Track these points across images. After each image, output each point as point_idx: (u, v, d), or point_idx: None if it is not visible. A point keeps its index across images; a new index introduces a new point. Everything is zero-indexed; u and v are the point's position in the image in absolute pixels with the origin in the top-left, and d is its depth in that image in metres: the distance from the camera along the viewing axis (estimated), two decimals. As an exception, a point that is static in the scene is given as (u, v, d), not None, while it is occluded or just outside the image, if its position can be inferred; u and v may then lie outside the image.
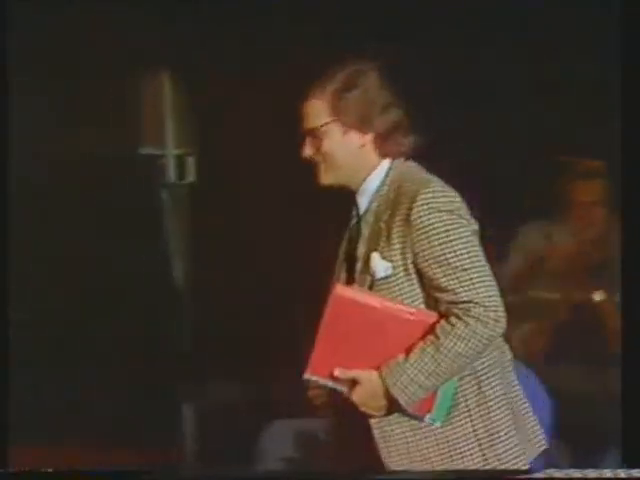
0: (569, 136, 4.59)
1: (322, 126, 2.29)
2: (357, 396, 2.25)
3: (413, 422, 2.27)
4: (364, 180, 2.32)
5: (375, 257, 2.26)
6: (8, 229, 4.18)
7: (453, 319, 2.21)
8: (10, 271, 4.32)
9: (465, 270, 2.21)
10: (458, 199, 2.28)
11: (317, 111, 2.30)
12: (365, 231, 2.32)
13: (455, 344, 2.20)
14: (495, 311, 2.22)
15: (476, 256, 2.24)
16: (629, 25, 3.19)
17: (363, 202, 2.34)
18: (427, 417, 2.26)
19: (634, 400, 3.02)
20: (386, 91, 2.32)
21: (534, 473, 2.50)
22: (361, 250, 2.31)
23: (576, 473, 2.96)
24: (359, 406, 2.25)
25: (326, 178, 2.33)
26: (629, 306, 3.07)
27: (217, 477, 3.16)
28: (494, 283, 2.25)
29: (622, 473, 2.92)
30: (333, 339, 2.23)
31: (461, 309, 2.20)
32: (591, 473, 2.97)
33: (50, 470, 2.98)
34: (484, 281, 2.22)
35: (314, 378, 2.28)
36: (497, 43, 4.45)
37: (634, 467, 2.89)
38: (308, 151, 2.32)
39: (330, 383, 2.26)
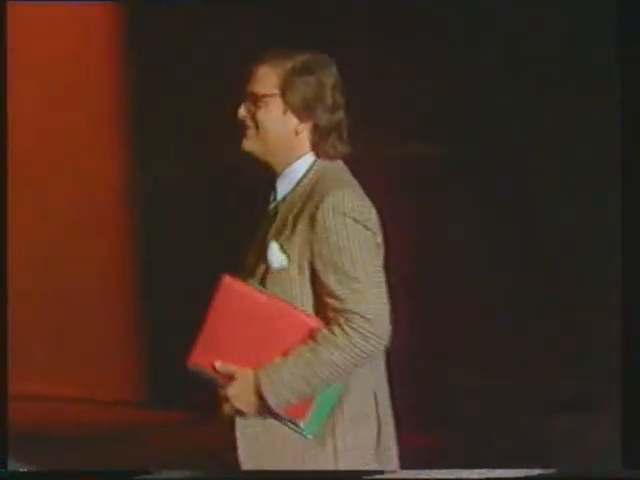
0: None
1: (265, 96, 2.21)
2: (231, 391, 2.19)
3: (274, 423, 2.22)
4: (288, 165, 2.25)
5: (273, 247, 2.20)
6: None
7: (335, 327, 2.14)
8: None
9: (358, 281, 2.14)
10: (368, 208, 2.21)
11: (266, 79, 2.22)
12: (275, 218, 2.25)
13: (332, 353, 2.14)
14: (379, 327, 2.15)
15: (373, 269, 2.17)
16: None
17: (282, 188, 2.27)
18: (300, 425, 2.19)
19: (634, 400, 2.99)
20: (338, 91, 2.25)
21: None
22: (267, 237, 2.23)
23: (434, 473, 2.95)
24: (232, 402, 2.18)
25: (250, 145, 2.24)
26: (629, 306, 3.03)
27: (218, 477, 3.13)
28: (385, 299, 2.18)
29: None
30: (217, 330, 2.18)
31: (345, 319, 2.14)
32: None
33: (50, 470, 2.96)
34: (375, 295, 2.16)
35: (196, 368, 2.21)
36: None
37: (634, 467, 2.88)
38: (243, 113, 2.23)
39: (210, 374, 2.20)
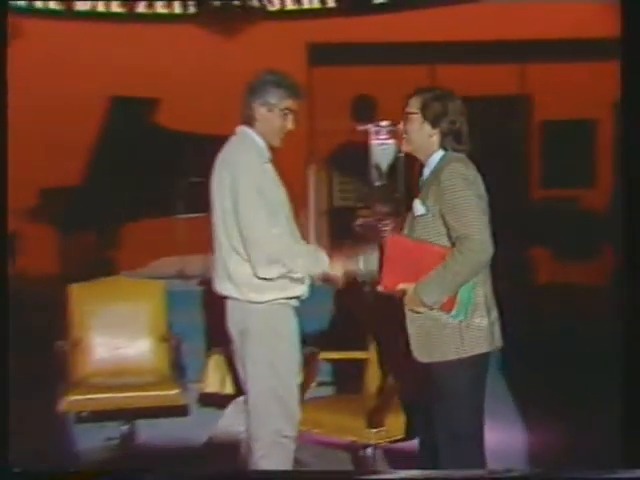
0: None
1: (410, 113, 3.20)
2: (406, 300, 3.15)
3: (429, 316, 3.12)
4: (428, 157, 3.21)
5: (416, 202, 3.18)
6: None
7: (455, 248, 3.07)
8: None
9: (466, 216, 3.04)
10: (475, 174, 3.14)
11: (413, 103, 3.21)
12: (422, 189, 3.19)
13: (454, 265, 3.05)
14: (482, 244, 3.03)
15: (477, 209, 3.06)
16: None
17: (426, 172, 3.22)
18: (451, 314, 3.11)
19: (634, 400, 2.70)
20: (458, 111, 3.19)
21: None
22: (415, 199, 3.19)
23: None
24: (408, 306, 3.15)
25: (404, 148, 3.28)
26: (630, 305, 2.78)
27: (217, 476, 3.03)
28: (487, 227, 3.05)
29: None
30: (392, 267, 3.18)
31: (460, 242, 3.05)
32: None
33: (50, 470, 2.80)
34: (479, 225, 3.03)
35: (386, 291, 3.22)
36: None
37: (634, 467, 2.59)
38: (401, 127, 3.24)
39: (394, 293, 3.19)
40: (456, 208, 3.05)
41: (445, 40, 7.81)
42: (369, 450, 3.89)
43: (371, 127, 6.55)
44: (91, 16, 8.22)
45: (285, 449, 3.44)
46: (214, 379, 4.21)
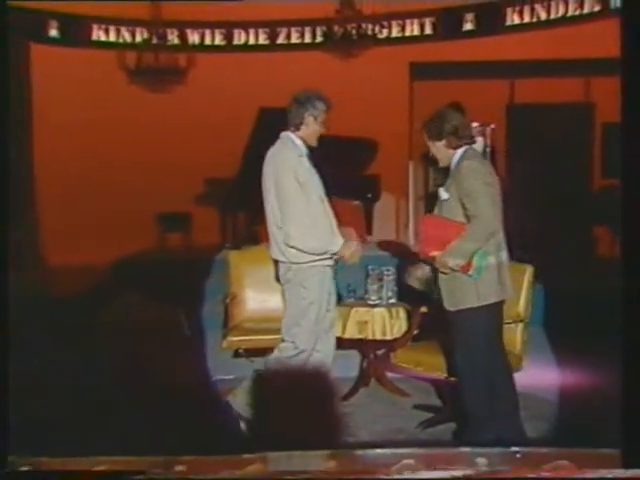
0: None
1: (427, 142, 3.41)
2: (436, 263, 3.36)
3: (456, 276, 3.32)
4: (451, 159, 3.39)
5: (441, 190, 3.40)
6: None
7: (469, 224, 3.29)
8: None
9: (477, 200, 3.26)
10: (487, 168, 3.41)
11: (424, 136, 3.42)
12: (447, 181, 3.40)
13: (469, 236, 3.26)
14: (488, 221, 3.26)
15: (485, 194, 3.27)
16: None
17: (452, 169, 3.39)
18: (469, 273, 3.32)
19: (634, 400, 2.32)
20: (453, 116, 3.40)
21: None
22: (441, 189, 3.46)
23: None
24: (439, 266, 3.34)
25: (439, 163, 3.44)
26: (630, 304, 2.36)
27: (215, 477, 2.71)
28: (492, 207, 3.26)
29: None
30: (427, 238, 3.40)
31: (471, 219, 3.29)
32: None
33: (50, 470, 2.37)
34: (487, 207, 3.25)
35: (423, 256, 3.47)
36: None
37: (634, 467, 2.25)
38: (430, 153, 3.46)
39: (427, 259, 3.44)
40: (470, 195, 3.28)
41: (522, 58, 7.89)
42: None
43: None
44: (244, 48, 8.64)
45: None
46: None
